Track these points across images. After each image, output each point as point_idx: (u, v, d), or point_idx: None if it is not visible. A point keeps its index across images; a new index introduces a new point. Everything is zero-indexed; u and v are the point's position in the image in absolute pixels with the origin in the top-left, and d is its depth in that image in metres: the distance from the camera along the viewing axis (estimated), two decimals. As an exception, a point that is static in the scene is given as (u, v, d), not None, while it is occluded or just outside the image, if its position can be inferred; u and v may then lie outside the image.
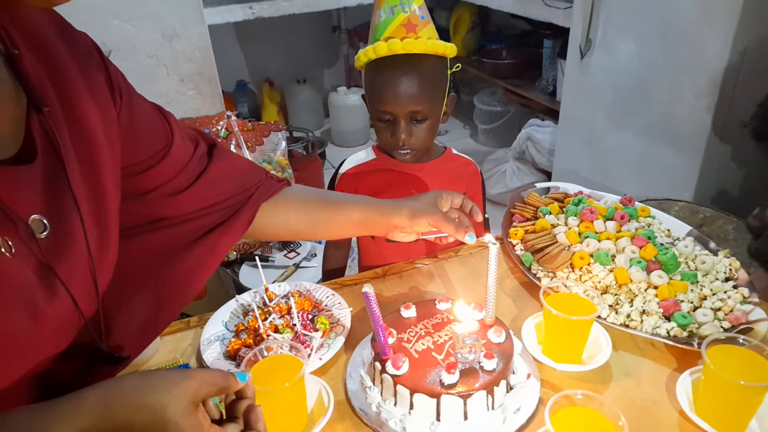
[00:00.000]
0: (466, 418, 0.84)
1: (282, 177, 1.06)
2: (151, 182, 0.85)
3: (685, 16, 2.01)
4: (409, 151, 1.27)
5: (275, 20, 3.38)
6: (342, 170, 1.39)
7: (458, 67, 1.27)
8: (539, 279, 1.15)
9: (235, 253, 2.32)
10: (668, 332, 0.98)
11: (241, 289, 2.13)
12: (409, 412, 0.86)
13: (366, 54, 1.21)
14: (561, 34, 2.85)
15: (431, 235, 1.02)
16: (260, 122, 2.44)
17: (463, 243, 1.03)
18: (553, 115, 3.07)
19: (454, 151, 1.42)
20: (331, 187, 1.40)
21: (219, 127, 2.26)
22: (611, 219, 1.24)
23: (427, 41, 1.19)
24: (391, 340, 0.92)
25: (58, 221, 0.68)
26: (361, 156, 1.39)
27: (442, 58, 1.24)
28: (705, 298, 1.04)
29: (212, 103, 2.31)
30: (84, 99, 0.73)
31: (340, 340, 1.05)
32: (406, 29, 1.17)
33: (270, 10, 3.35)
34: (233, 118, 2.32)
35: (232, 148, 2.30)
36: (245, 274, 2.28)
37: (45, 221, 0.66)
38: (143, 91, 2.28)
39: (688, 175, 2.16)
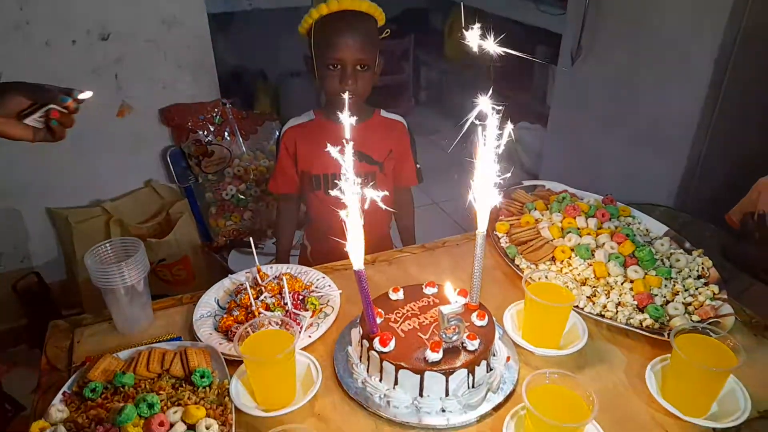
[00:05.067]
0: (447, 394, 0.89)
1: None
2: None
3: (673, 27, 2.08)
4: (353, 96, 1.42)
5: (273, 12, 3.41)
6: (286, 127, 1.57)
7: (387, 32, 1.45)
8: (522, 270, 1.20)
9: (224, 238, 2.34)
10: (641, 323, 1.04)
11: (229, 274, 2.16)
12: (394, 387, 0.90)
13: (318, 11, 1.36)
14: (553, 40, 2.91)
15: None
16: (255, 111, 2.47)
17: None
18: (542, 119, 3.13)
19: (383, 113, 1.58)
20: (278, 142, 1.59)
21: (214, 114, 2.29)
22: (593, 216, 1.30)
23: (369, 2, 1.40)
24: (378, 320, 0.96)
25: None
26: (302, 117, 1.57)
27: (377, 23, 1.43)
28: (677, 293, 1.10)
29: (208, 90, 2.33)
30: None
31: (330, 320, 1.09)
32: None
33: (268, 3, 3.38)
34: (228, 106, 2.34)
35: (226, 135, 2.32)
36: (234, 260, 2.30)
37: None
38: (141, 75, 2.33)
39: (670, 181, 2.23)
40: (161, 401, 0.86)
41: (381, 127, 1.55)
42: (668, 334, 0.91)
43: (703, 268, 1.17)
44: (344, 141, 0.86)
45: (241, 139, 2.34)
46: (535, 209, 1.36)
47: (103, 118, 2.15)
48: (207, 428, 0.82)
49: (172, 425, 0.83)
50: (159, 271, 2.17)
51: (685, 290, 1.11)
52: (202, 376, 0.92)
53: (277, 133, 2.48)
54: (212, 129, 2.29)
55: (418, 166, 1.62)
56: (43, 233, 2.22)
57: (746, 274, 1.44)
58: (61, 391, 0.91)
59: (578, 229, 1.26)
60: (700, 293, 1.09)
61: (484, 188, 0.89)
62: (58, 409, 0.86)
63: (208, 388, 0.92)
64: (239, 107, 2.44)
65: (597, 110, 2.48)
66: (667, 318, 1.05)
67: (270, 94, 4.12)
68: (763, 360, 1.01)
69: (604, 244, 1.20)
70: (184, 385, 0.93)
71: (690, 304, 1.07)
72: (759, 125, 2.10)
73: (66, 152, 2.10)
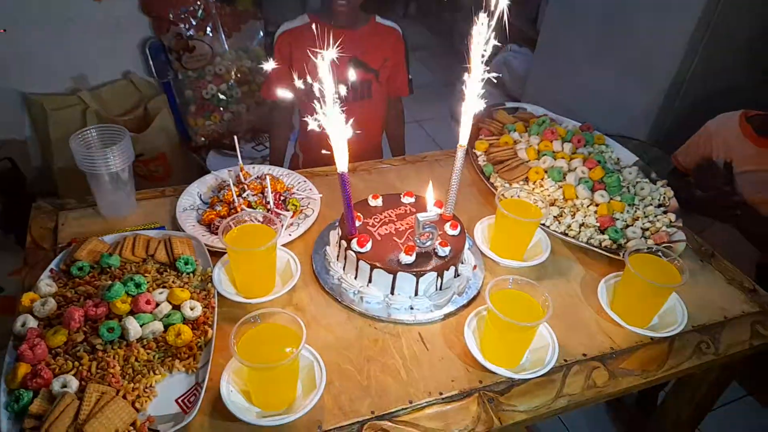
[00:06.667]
0: (416, 293, 0.96)
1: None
2: None
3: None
4: (345, 3, 1.41)
5: None
6: (280, 31, 1.53)
7: None
8: (496, 188, 1.25)
9: (203, 138, 2.33)
10: (600, 243, 1.11)
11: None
12: (368, 285, 0.97)
13: None
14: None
15: None
16: (238, 8, 2.37)
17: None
18: (530, 42, 3.09)
19: (378, 19, 1.56)
20: (270, 48, 1.56)
21: (197, 7, 2.19)
22: (569, 141, 1.34)
23: None
24: (357, 223, 1.01)
25: None
26: (296, 21, 1.53)
27: None
28: (637, 219, 1.17)
29: (190, -20, 2.22)
30: None
31: (309, 221, 1.14)
32: None
33: None
34: None
35: (208, 31, 2.24)
36: (213, 161, 2.31)
37: None
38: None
39: (647, 115, 2.27)
40: (147, 283, 0.91)
41: (377, 34, 1.52)
42: (623, 254, 0.98)
43: (664, 197, 1.24)
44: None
45: (223, 36, 2.26)
46: (515, 131, 1.40)
47: (81, 1, 2.05)
48: (191, 309, 0.88)
49: (157, 305, 0.88)
50: (136, 166, 2.14)
51: (645, 216, 1.18)
52: (186, 263, 0.97)
53: (261, 34, 2.41)
54: (194, 23, 2.21)
55: (410, 77, 1.60)
56: (17, 119, 2.16)
57: (700, 215, 1.51)
58: (48, 268, 0.95)
59: (553, 152, 1.30)
60: (658, 220, 1.17)
61: (469, 103, 0.92)
62: (46, 284, 0.90)
63: (191, 275, 0.97)
64: (221, 2, 2.33)
65: (587, 37, 2.46)
66: (625, 240, 1.12)
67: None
68: (705, 282, 1.10)
69: (576, 168, 1.25)
70: (168, 270, 0.98)
71: (647, 229, 1.15)
72: (734, 69, 2.13)
73: (42, 34, 2.01)
